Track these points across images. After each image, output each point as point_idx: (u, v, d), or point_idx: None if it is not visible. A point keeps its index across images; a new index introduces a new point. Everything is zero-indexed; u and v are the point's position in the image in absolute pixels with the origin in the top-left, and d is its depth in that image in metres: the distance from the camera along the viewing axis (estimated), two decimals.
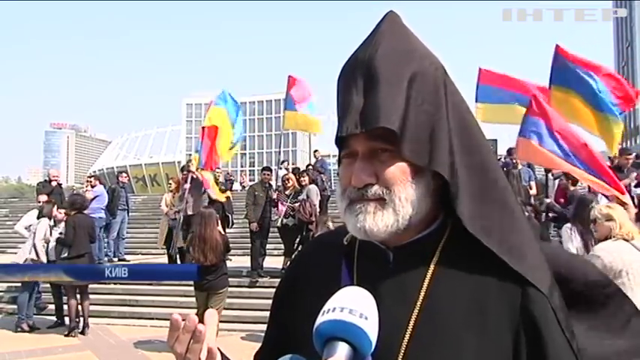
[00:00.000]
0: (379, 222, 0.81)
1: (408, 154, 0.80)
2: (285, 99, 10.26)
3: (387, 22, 0.86)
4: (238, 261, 9.11)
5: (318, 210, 8.18)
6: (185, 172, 9.26)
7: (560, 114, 7.09)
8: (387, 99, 0.79)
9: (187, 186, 8.78)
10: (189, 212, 8.73)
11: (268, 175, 9.13)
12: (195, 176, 8.77)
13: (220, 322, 6.80)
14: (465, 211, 0.81)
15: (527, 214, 5.74)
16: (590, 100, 6.86)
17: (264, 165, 13.36)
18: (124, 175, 12.10)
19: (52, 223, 7.64)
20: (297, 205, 8.44)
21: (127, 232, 11.69)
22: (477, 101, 10.06)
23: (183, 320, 0.73)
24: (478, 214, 0.82)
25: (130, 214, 11.96)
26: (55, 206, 7.91)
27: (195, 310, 7.89)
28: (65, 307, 7.24)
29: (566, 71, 7.14)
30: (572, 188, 8.03)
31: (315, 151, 15.80)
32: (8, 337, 6.98)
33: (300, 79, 10.27)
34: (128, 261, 10.54)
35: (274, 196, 8.97)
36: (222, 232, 6.44)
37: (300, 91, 10.06)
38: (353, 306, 0.71)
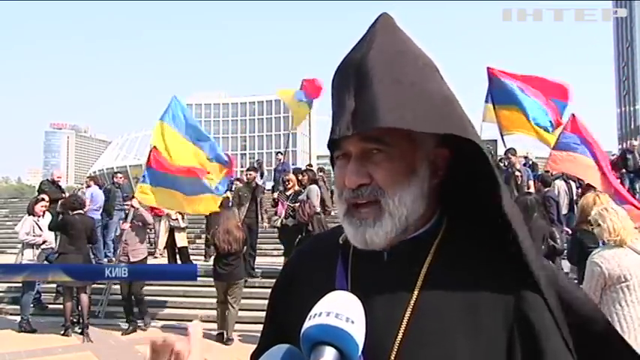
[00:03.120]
0: (379, 231, 0.81)
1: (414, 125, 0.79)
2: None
3: (379, 24, 0.85)
4: None
5: (318, 210, 8.17)
6: (128, 207, 7.74)
7: (507, 127, 7.76)
8: (378, 100, 0.77)
9: (127, 226, 7.29)
10: (134, 259, 7.21)
11: (251, 175, 9.18)
12: (139, 213, 7.35)
13: (212, 322, 7.03)
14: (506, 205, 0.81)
15: (535, 214, 5.75)
16: (527, 114, 7.73)
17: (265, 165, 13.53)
18: (120, 175, 12.13)
19: (36, 219, 7.63)
20: (297, 205, 8.44)
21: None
22: (486, 102, 10.15)
23: (164, 341, 0.68)
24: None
25: None
26: (40, 203, 7.89)
27: (193, 310, 7.93)
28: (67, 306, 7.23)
29: (504, 90, 7.72)
30: (545, 189, 8.42)
31: (278, 153, 15.46)
32: (8, 337, 6.98)
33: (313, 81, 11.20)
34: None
35: (275, 195, 8.99)
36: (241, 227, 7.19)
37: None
38: (339, 310, 0.71)
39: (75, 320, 7.20)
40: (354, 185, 0.82)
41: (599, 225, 3.47)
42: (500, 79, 7.86)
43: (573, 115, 6.85)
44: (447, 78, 0.87)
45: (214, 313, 7.88)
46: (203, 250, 10.53)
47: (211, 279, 8.54)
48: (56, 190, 10.54)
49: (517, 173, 8.48)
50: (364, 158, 0.82)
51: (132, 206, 7.34)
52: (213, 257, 7.39)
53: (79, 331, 7.01)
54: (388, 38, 0.83)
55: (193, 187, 7.12)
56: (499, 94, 7.85)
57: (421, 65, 0.83)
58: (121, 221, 7.69)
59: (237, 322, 7.18)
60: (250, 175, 9.18)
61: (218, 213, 7.86)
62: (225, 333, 6.67)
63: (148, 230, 8.08)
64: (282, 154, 14.32)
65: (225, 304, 6.70)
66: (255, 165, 12.18)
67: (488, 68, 8.06)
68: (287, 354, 0.75)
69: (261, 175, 12.81)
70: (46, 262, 7.62)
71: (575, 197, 9.50)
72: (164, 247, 9.69)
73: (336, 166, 0.87)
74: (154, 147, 7.34)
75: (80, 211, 7.36)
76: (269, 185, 14.75)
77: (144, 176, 7.30)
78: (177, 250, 9.48)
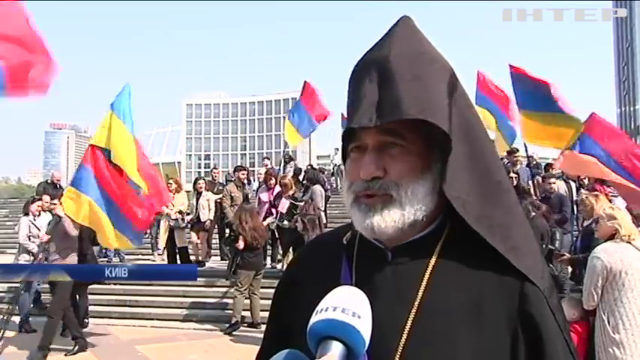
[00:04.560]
0: (387, 218, 0.82)
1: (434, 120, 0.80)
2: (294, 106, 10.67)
3: (400, 25, 0.88)
4: None
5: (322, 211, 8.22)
6: (45, 206, 6.17)
7: (529, 136, 7.09)
8: (402, 93, 0.80)
9: (46, 237, 6.01)
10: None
11: (244, 174, 9.21)
12: (62, 222, 6.05)
13: (212, 322, 7.31)
14: (472, 211, 0.82)
15: (533, 214, 5.75)
16: (551, 109, 6.73)
17: (284, 158, 13.46)
18: None
19: (32, 218, 7.68)
20: (301, 204, 8.44)
21: None
22: (476, 104, 10.10)
23: None
24: (483, 214, 0.83)
25: None
26: (37, 202, 7.93)
27: (193, 310, 7.92)
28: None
29: (526, 91, 7.12)
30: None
31: (264, 158, 15.16)
32: (8, 337, 6.97)
33: (314, 91, 10.43)
34: (128, 261, 10.54)
35: (269, 197, 8.95)
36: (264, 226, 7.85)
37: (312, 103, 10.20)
38: (346, 305, 0.71)
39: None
40: (368, 177, 0.82)
41: (614, 219, 3.50)
42: (524, 79, 7.38)
43: (593, 114, 6.57)
44: (461, 80, 0.90)
45: (214, 313, 7.91)
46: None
47: (211, 279, 8.60)
48: (54, 192, 10.53)
49: (512, 175, 8.16)
50: (381, 151, 0.83)
51: (56, 213, 6.05)
52: (228, 253, 7.91)
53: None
54: (408, 40, 0.86)
55: (119, 220, 5.53)
56: (524, 97, 7.36)
57: (437, 67, 0.86)
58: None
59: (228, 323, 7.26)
60: (243, 174, 9.21)
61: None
62: (253, 319, 7.25)
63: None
64: (267, 158, 14.11)
65: (243, 294, 7.18)
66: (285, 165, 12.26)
67: (510, 66, 7.55)
68: (288, 357, 0.75)
69: (249, 182, 12.79)
70: (45, 263, 7.62)
71: (575, 197, 9.47)
72: (164, 248, 9.65)
73: (349, 159, 0.88)
74: (94, 146, 5.67)
75: None
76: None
77: (75, 177, 5.74)
78: (176, 250, 9.47)
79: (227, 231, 9.58)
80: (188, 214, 9.33)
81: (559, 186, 9.43)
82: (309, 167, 15.22)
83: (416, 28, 0.89)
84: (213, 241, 10.40)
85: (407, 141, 0.82)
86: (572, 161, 6.22)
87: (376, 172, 0.82)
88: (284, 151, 13.50)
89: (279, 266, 8.91)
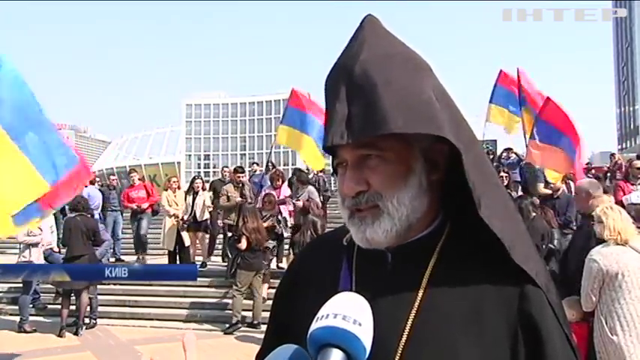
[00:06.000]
0: (378, 229, 0.82)
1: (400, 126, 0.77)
2: (283, 112, 10.28)
3: (366, 27, 0.85)
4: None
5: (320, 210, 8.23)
6: None
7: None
8: (370, 106, 0.78)
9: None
10: None
11: (241, 175, 9.19)
12: None
13: (212, 322, 7.27)
14: (482, 202, 0.80)
15: (533, 214, 5.74)
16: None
17: (267, 165, 13.30)
18: (113, 177, 12.23)
19: None
20: (299, 203, 8.44)
21: (126, 233, 11.67)
22: (490, 102, 10.05)
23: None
24: (485, 205, 0.81)
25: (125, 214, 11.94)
26: None
27: (193, 311, 7.92)
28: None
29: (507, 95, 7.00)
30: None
31: (253, 163, 14.87)
32: (8, 337, 6.97)
33: (304, 97, 10.05)
34: (127, 262, 10.52)
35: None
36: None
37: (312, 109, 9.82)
38: (347, 312, 0.71)
39: (75, 321, 7.21)
40: (351, 193, 0.82)
41: (601, 222, 3.49)
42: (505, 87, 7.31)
43: (548, 98, 6.45)
44: (439, 76, 0.88)
45: (214, 313, 7.91)
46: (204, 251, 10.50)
47: (211, 279, 8.59)
48: None
49: (502, 174, 7.97)
50: (360, 164, 0.82)
51: None
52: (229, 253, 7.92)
53: (74, 331, 7.00)
54: (376, 41, 0.83)
55: None
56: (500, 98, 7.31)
57: (411, 67, 0.83)
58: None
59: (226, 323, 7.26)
60: (238, 176, 9.21)
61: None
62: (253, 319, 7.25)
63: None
64: (257, 164, 13.69)
65: (243, 294, 7.21)
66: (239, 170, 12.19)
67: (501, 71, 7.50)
68: (294, 355, 0.75)
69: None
70: (45, 262, 7.62)
71: (574, 196, 9.37)
72: (174, 246, 9.51)
73: (338, 175, 0.88)
74: None
75: (82, 213, 7.30)
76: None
77: None
78: (177, 250, 9.44)
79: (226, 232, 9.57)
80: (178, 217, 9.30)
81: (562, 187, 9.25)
82: (297, 170, 15.18)
83: (383, 29, 0.85)
84: (216, 241, 10.38)
85: (383, 150, 0.81)
86: (539, 153, 6.17)
87: (357, 187, 0.82)
88: (267, 159, 13.07)
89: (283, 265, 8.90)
